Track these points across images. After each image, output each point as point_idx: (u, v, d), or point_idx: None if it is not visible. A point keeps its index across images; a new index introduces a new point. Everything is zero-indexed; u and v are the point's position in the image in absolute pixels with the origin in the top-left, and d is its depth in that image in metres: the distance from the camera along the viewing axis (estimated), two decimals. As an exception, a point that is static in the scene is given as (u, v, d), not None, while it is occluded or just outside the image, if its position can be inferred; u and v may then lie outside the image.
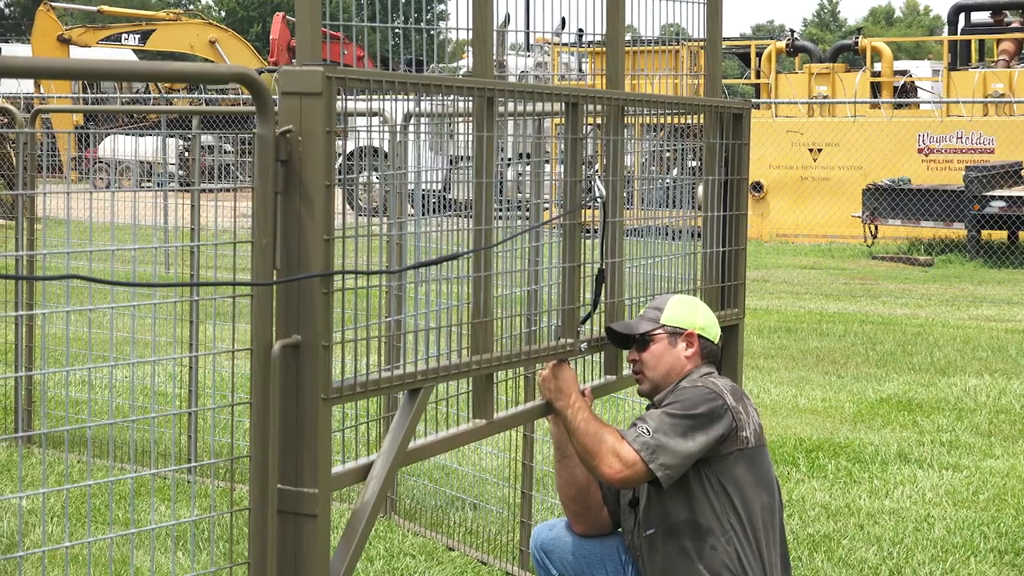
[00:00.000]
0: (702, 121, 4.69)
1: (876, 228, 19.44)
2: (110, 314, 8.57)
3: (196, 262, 6.66)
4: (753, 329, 11.83)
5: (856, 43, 23.78)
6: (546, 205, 4.44)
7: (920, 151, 20.59)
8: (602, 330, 4.24)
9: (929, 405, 8.90)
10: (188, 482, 6.70)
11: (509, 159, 4.60)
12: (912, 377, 9.91)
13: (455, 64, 6.39)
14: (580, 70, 9.15)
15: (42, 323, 7.48)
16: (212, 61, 29.19)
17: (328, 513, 3.30)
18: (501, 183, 4.29)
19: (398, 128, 4.67)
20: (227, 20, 65.47)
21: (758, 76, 24.25)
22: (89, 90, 30.75)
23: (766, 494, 4.08)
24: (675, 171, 4.97)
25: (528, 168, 4.47)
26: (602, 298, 4.21)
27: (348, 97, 3.34)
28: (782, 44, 24.26)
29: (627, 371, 4.36)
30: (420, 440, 3.73)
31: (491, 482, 6.33)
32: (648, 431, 3.94)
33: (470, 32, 3.73)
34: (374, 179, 4.00)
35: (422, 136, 4.37)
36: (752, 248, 17.25)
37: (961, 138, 20.43)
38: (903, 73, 25.41)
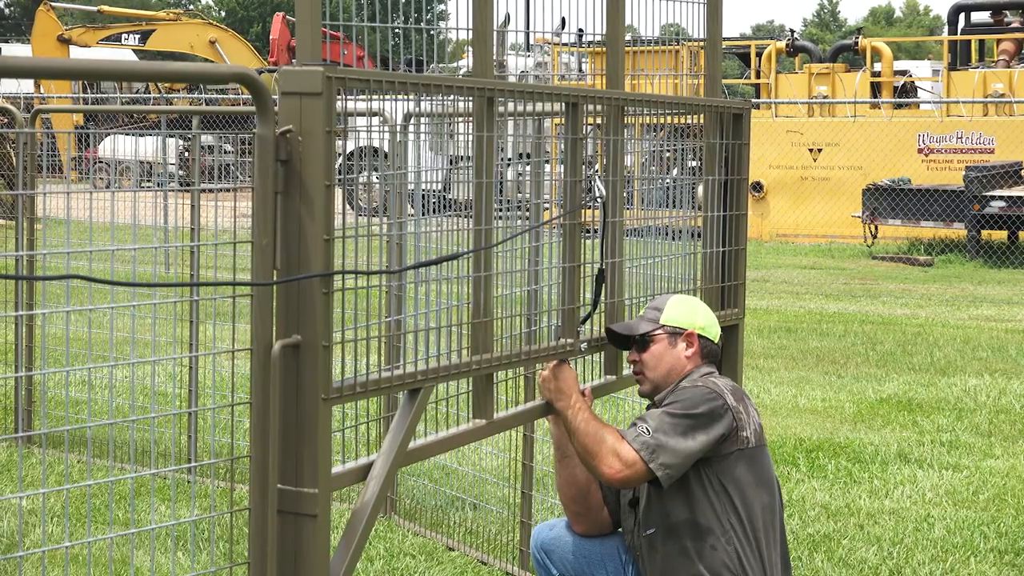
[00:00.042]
0: (702, 121, 4.69)
1: (876, 228, 19.44)
2: (110, 314, 8.57)
3: (196, 262, 6.66)
4: (753, 329, 11.83)
5: (856, 43, 23.78)
6: (546, 205, 4.44)
7: (920, 151, 20.59)
8: (602, 330, 4.24)
9: (929, 405, 8.90)
10: (188, 482, 6.70)
11: (509, 159, 4.60)
12: (912, 377, 9.91)
13: (455, 64, 6.39)
14: (580, 70, 9.15)
15: (42, 323, 7.48)
16: (212, 61, 29.20)
17: (328, 513, 3.30)
18: (501, 183, 4.29)
19: (398, 128, 4.67)
20: (227, 20, 65.47)
21: (758, 76, 24.25)
22: (89, 90, 30.75)
23: (766, 494, 4.08)
24: (675, 171, 4.97)
25: (528, 168, 4.47)
26: (602, 298, 4.21)
27: (348, 97, 3.34)
28: (782, 44, 24.26)
29: (627, 371, 4.36)
30: (420, 440, 3.73)
31: (491, 482, 6.33)
32: (648, 431, 3.94)
33: (470, 32, 3.73)
34: (374, 179, 4.00)
35: (422, 136, 4.37)
36: (752, 248, 17.25)
37: (961, 138, 20.43)
38: (903, 73, 25.41)
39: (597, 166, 4.35)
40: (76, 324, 9.14)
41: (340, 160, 3.72)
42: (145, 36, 30.77)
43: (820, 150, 21.18)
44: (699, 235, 4.74)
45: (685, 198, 4.80)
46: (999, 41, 23.29)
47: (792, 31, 25.71)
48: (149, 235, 8.93)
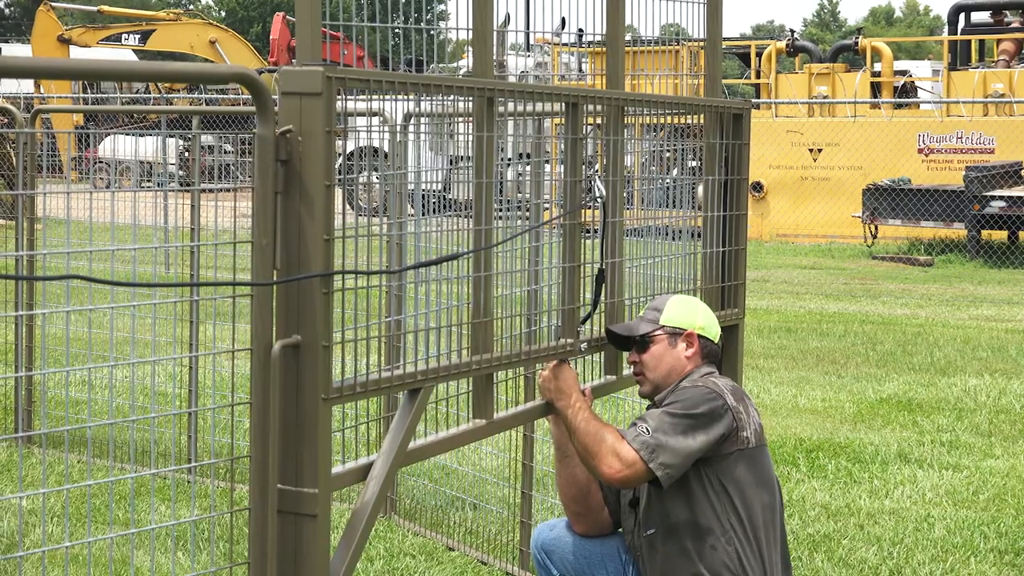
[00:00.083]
0: (702, 121, 4.69)
1: (876, 228, 19.44)
2: (110, 314, 8.57)
3: (196, 262, 6.66)
4: (753, 329, 11.83)
5: (856, 43, 23.78)
6: (546, 205, 4.44)
7: (920, 151, 20.59)
8: (602, 330, 4.24)
9: (929, 405, 8.90)
10: (188, 482, 6.70)
11: (509, 159, 4.60)
12: (912, 377, 9.91)
13: (455, 64, 6.39)
14: (580, 70, 9.15)
15: (42, 323, 7.48)
16: (212, 61, 29.20)
17: (328, 513, 3.30)
18: (501, 183, 4.29)
19: (398, 128, 4.67)
20: (227, 20, 65.47)
21: (758, 76, 24.25)
22: (89, 90, 30.75)
23: (766, 494, 4.08)
24: (675, 171, 4.97)
25: (528, 168, 4.47)
26: (602, 298, 4.21)
27: (348, 97, 3.34)
28: (782, 44, 24.26)
29: (627, 371, 4.36)
30: (420, 440, 3.73)
31: (491, 482, 6.33)
32: (648, 430, 3.94)
33: (470, 32, 3.73)
34: (374, 179, 4.00)
35: (422, 136, 4.37)
36: (752, 248, 17.25)
37: (961, 138, 20.43)
38: (903, 73, 25.40)
39: (597, 166, 4.35)
40: (76, 324, 9.14)
41: (340, 160, 3.72)
42: (145, 36, 30.78)
43: (820, 150, 21.18)
44: (699, 235, 4.74)
45: (685, 198, 4.80)
46: (999, 41, 23.29)
47: (792, 31, 25.71)
48: (149, 235, 8.93)
